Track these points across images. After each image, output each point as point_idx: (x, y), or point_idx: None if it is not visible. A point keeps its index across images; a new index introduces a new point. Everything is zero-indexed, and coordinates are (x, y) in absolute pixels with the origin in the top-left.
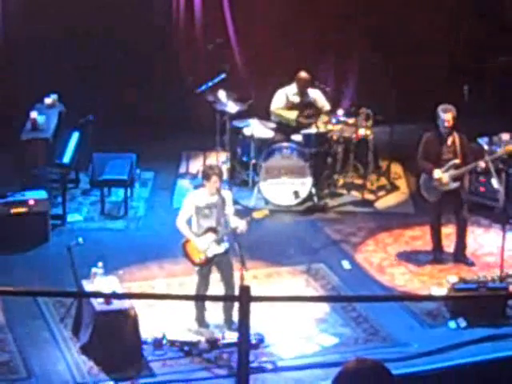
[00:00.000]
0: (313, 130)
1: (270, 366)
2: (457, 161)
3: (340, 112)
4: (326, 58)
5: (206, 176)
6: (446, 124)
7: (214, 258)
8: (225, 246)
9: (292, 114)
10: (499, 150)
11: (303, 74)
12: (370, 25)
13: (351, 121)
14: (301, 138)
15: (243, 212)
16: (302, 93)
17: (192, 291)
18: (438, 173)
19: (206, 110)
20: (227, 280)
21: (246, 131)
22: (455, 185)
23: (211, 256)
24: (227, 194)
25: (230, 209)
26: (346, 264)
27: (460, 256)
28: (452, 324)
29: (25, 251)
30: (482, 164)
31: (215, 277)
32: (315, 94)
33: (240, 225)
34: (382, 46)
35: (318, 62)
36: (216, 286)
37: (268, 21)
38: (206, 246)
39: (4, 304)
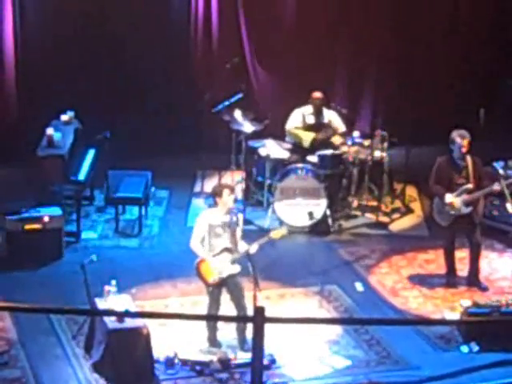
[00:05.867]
0: (328, 152)
1: None
2: (469, 186)
3: (355, 134)
4: (342, 80)
5: (218, 193)
6: (463, 150)
7: (228, 278)
8: (238, 266)
9: (308, 136)
10: None
11: (317, 94)
12: (386, 48)
13: (367, 143)
14: (316, 159)
15: (258, 232)
16: (317, 113)
17: (205, 310)
18: (449, 197)
19: (222, 129)
20: (238, 301)
21: (262, 151)
22: (468, 210)
23: (225, 276)
24: (239, 217)
25: (239, 231)
26: (359, 286)
27: (473, 280)
28: (464, 348)
29: (38, 268)
30: (495, 188)
31: (225, 297)
32: (330, 115)
33: (247, 248)
34: (397, 70)
35: (334, 83)
36: (228, 306)
37: (284, 41)
38: (220, 265)
39: (17, 320)
